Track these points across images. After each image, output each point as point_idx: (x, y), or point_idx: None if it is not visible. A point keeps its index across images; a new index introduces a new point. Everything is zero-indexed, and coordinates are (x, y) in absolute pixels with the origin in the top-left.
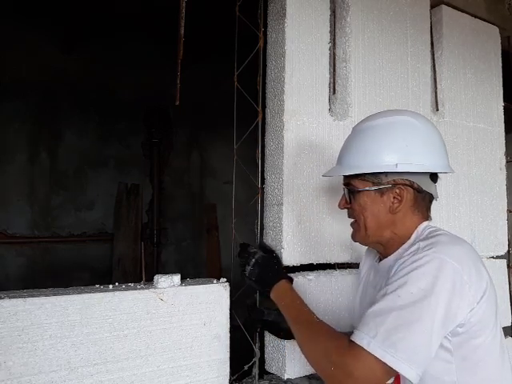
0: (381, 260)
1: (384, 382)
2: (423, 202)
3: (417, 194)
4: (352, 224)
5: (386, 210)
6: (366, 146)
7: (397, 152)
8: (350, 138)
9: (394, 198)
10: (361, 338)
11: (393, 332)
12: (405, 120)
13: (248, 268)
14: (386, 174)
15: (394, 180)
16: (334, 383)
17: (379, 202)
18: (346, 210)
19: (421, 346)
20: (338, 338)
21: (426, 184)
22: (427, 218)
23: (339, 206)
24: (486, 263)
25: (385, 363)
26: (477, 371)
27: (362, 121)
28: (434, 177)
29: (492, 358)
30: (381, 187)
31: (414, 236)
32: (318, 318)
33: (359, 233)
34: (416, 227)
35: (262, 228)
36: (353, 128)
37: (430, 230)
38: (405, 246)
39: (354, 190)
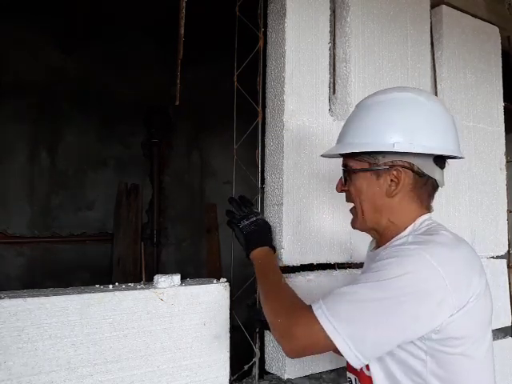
0: (374, 249)
1: (321, 349)
2: (425, 187)
3: (417, 178)
4: (351, 210)
5: (383, 193)
6: (364, 124)
7: (396, 131)
8: (350, 116)
9: (392, 180)
10: (315, 303)
11: (346, 309)
12: (407, 96)
13: (245, 222)
14: (383, 154)
15: (391, 161)
16: (276, 335)
17: (375, 185)
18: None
19: (367, 329)
20: (296, 299)
21: (428, 168)
22: (428, 208)
23: (336, 189)
24: (486, 263)
25: (326, 333)
26: (449, 380)
27: (364, 98)
28: (439, 161)
29: (469, 371)
30: (377, 168)
31: (409, 228)
32: (286, 283)
33: (357, 218)
34: (414, 218)
35: None
36: (356, 105)
37: (431, 226)
38: (397, 237)
39: (350, 170)
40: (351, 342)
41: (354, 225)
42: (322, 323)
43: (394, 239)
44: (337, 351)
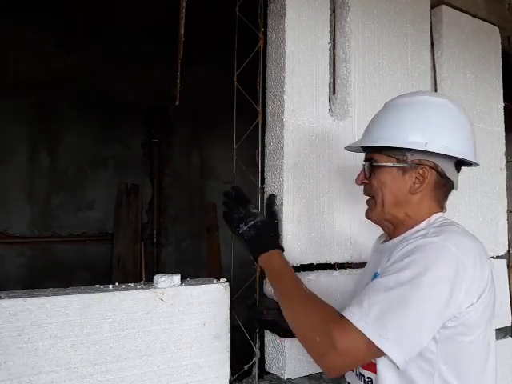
0: (385, 241)
1: (367, 361)
2: (444, 188)
3: (439, 179)
4: (368, 201)
5: (406, 189)
6: (397, 121)
7: (428, 131)
8: (381, 112)
9: (416, 178)
10: (352, 314)
11: (386, 313)
12: (442, 102)
13: (243, 227)
14: (412, 152)
15: (419, 160)
16: (317, 354)
17: (400, 181)
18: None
19: (412, 331)
20: (328, 310)
21: (449, 170)
22: (442, 208)
23: (356, 181)
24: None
25: (372, 342)
26: (456, 367)
27: (396, 97)
28: (458, 165)
29: (477, 359)
30: (405, 165)
31: (424, 223)
32: (307, 289)
33: (375, 209)
34: (430, 215)
35: None
36: (386, 104)
37: (444, 221)
38: (412, 230)
39: (376, 164)
40: (401, 348)
41: (370, 216)
42: (367, 335)
43: (409, 232)
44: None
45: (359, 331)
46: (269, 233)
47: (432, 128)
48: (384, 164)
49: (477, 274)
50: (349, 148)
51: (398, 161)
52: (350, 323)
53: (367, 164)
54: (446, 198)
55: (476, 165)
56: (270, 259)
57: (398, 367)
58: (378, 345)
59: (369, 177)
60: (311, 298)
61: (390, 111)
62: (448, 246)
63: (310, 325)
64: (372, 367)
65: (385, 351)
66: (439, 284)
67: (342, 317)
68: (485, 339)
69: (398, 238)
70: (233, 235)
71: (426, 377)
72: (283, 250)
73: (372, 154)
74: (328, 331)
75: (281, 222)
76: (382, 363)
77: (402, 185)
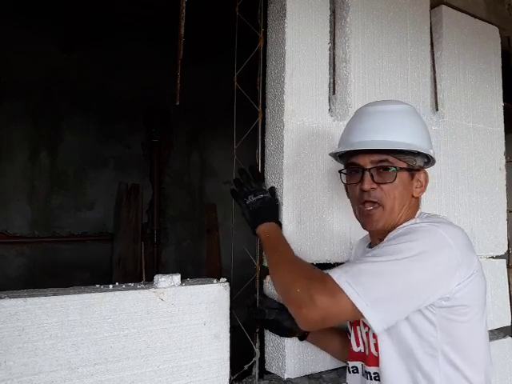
0: (373, 244)
1: (343, 318)
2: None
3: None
4: (372, 210)
5: (411, 193)
6: (409, 127)
7: (426, 137)
8: (388, 117)
9: (417, 181)
10: (333, 272)
11: (366, 274)
12: (416, 111)
13: (252, 198)
14: (418, 157)
15: (419, 165)
16: (294, 305)
17: (408, 185)
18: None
19: (391, 297)
20: (312, 268)
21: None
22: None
23: (365, 186)
24: (486, 263)
25: (349, 298)
26: (460, 349)
27: (382, 104)
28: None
29: (476, 339)
30: (414, 169)
31: (411, 221)
32: (300, 257)
33: (383, 216)
34: (415, 214)
35: None
36: (378, 109)
37: (429, 215)
38: (406, 223)
39: (391, 167)
40: (376, 308)
41: (377, 224)
42: (346, 291)
43: (400, 226)
44: (354, 320)
45: (339, 288)
46: (272, 208)
47: (426, 134)
48: (403, 167)
49: (464, 257)
50: (368, 147)
51: (409, 165)
52: (332, 280)
53: (375, 168)
54: None
55: (432, 165)
56: (269, 228)
57: (374, 331)
58: (353, 299)
59: (380, 181)
60: (301, 261)
61: (399, 117)
62: (436, 229)
63: (294, 278)
64: (375, 361)
65: (358, 307)
66: (425, 260)
67: (326, 275)
68: (480, 321)
69: (386, 238)
70: (232, 233)
71: (430, 359)
72: (281, 227)
73: (385, 155)
74: (309, 284)
75: (281, 222)
76: (383, 354)
77: (410, 189)
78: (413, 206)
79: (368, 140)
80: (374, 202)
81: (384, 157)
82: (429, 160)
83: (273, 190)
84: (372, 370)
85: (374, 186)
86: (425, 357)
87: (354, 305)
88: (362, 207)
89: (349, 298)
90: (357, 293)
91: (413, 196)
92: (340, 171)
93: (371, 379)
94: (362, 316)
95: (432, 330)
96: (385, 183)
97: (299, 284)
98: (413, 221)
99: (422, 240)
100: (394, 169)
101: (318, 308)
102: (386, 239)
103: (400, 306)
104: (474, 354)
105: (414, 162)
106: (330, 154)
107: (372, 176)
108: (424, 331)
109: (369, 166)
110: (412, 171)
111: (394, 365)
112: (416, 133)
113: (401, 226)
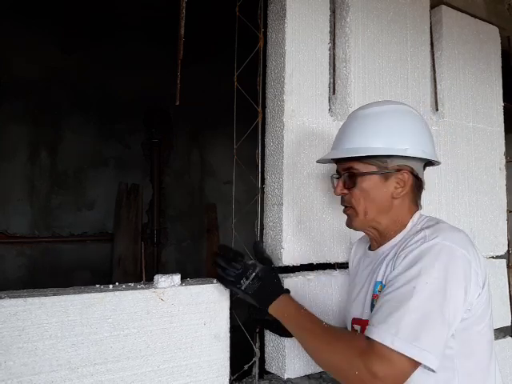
0: (373, 247)
1: (408, 377)
2: (420, 189)
3: (415, 181)
4: (347, 211)
5: (389, 195)
6: (376, 130)
7: (407, 137)
8: (352, 123)
9: (397, 183)
10: (383, 337)
11: (415, 325)
12: (407, 109)
13: (246, 282)
14: (391, 158)
15: (398, 165)
16: None
17: (382, 187)
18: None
19: (441, 335)
20: (355, 340)
21: (421, 172)
22: (418, 206)
23: (336, 192)
24: (486, 263)
25: (411, 358)
26: (472, 357)
27: (363, 107)
28: (424, 167)
29: (485, 345)
30: (387, 171)
31: (410, 225)
32: (326, 324)
33: (357, 218)
34: (411, 215)
35: (262, 228)
36: (353, 114)
37: (426, 218)
38: (401, 234)
39: (357, 173)
40: (436, 353)
41: (351, 225)
42: (408, 354)
43: (399, 236)
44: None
45: (395, 352)
46: (272, 280)
47: (408, 134)
48: (367, 172)
49: (478, 264)
50: (321, 160)
51: (379, 168)
52: (385, 346)
53: (346, 174)
54: (420, 197)
55: (438, 163)
56: (282, 307)
57: (433, 371)
58: (416, 357)
59: (349, 186)
60: (334, 333)
61: (365, 121)
62: (450, 245)
63: (344, 360)
64: None
65: (423, 361)
66: (453, 284)
67: (372, 341)
68: (490, 327)
69: (390, 244)
70: (232, 233)
71: (449, 372)
72: (289, 292)
73: (350, 163)
74: (365, 362)
75: (281, 222)
76: None
77: (384, 191)
78: (400, 207)
79: (336, 148)
80: (349, 205)
81: (348, 164)
82: (425, 159)
83: (258, 245)
84: None
85: (345, 191)
86: (442, 370)
87: (411, 359)
88: (344, 208)
89: (406, 356)
90: (419, 349)
91: (393, 197)
92: (331, 176)
93: None
94: (426, 365)
95: (451, 341)
96: (350, 188)
97: (355, 365)
98: (421, 234)
99: (441, 263)
100: (360, 174)
101: (383, 379)
102: (399, 260)
103: (445, 338)
104: (487, 363)
105: (386, 164)
106: (318, 162)
107: (345, 182)
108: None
109: (342, 173)
110: (385, 173)
111: (416, 379)
112: (390, 134)
113: (402, 235)
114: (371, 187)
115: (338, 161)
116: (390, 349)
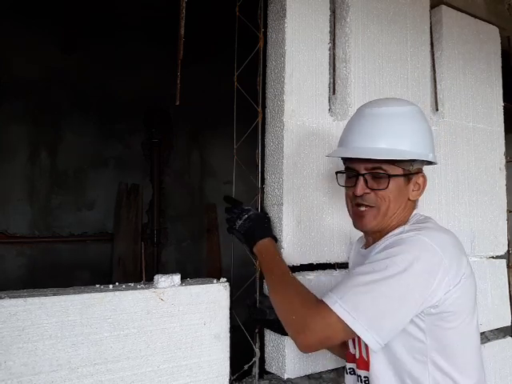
0: (367, 245)
1: (340, 340)
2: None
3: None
4: (366, 211)
5: (407, 197)
6: (403, 132)
7: (427, 141)
8: (377, 121)
9: (414, 185)
10: (328, 297)
11: (360, 297)
12: (422, 111)
13: (239, 222)
14: (413, 162)
15: (417, 169)
16: (292, 331)
17: (404, 189)
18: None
19: (384, 316)
20: (307, 293)
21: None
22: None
23: (357, 192)
24: (486, 263)
25: (344, 323)
26: (450, 355)
27: (380, 104)
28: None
29: (465, 343)
30: (409, 174)
31: (407, 224)
32: (293, 275)
33: (376, 218)
34: (410, 215)
35: None
36: (372, 111)
37: (419, 218)
38: (395, 231)
39: (386, 174)
40: (372, 329)
41: (367, 224)
42: (340, 315)
43: (392, 233)
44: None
45: (333, 312)
46: (262, 223)
47: (427, 138)
48: (395, 174)
49: (452, 263)
50: (334, 155)
51: (405, 170)
52: (325, 305)
53: (371, 174)
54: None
55: (435, 164)
56: (263, 247)
57: (372, 349)
58: (349, 324)
59: (374, 187)
60: (296, 284)
61: (390, 121)
62: (422, 238)
63: (289, 304)
64: (365, 365)
65: (355, 330)
66: (417, 276)
67: (320, 300)
68: (469, 325)
69: (381, 241)
70: (232, 236)
71: (419, 365)
72: (276, 240)
73: (379, 163)
74: (303, 311)
75: (281, 222)
76: (373, 359)
77: (405, 193)
78: (408, 208)
79: (363, 147)
80: (370, 205)
81: (377, 164)
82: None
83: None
84: (362, 373)
85: (368, 191)
86: (414, 363)
87: (349, 327)
88: (356, 208)
89: (345, 323)
90: (352, 317)
91: (409, 199)
92: (336, 173)
93: (361, 382)
94: (359, 337)
95: (421, 336)
96: (378, 189)
97: (295, 310)
98: (401, 229)
99: (408, 253)
100: (387, 176)
101: (314, 332)
102: (376, 246)
103: (393, 324)
104: (463, 359)
105: (411, 167)
106: (328, 156)
107: (366, 181)
108: (413, 338)
109: (363, 172)
110: (408, 176)
111: (384, 370)
112: (416, 138)
113: (390, 233)
114: (397, 189)
115: (358, 159)
116: (330, 308)
